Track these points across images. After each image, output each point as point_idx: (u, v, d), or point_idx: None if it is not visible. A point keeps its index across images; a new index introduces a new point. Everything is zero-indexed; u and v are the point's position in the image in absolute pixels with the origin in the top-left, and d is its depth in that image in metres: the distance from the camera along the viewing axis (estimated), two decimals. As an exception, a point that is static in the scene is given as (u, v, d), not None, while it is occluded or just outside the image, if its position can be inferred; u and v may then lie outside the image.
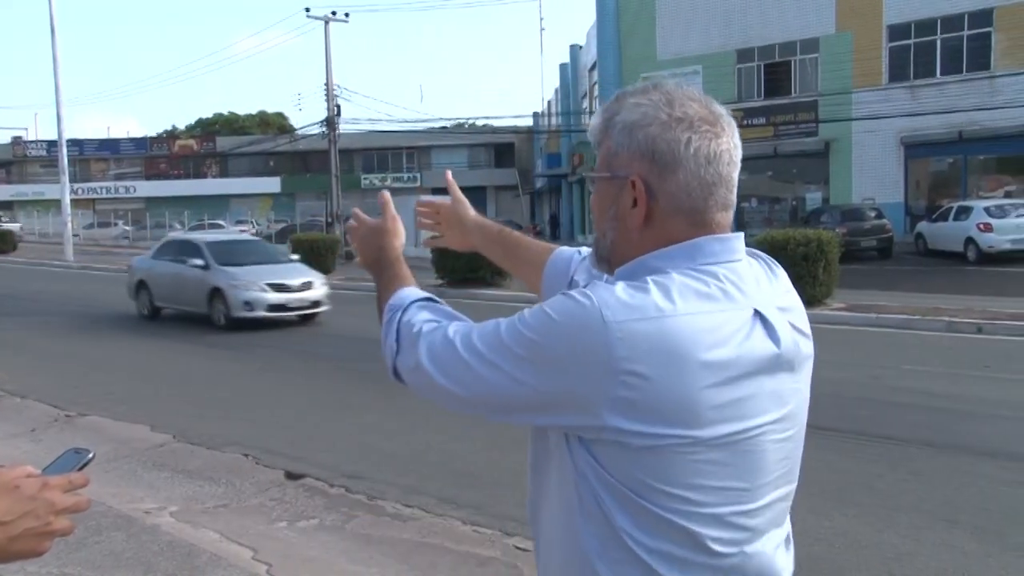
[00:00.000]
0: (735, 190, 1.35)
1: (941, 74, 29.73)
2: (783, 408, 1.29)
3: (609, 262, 1.39)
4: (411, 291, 1.52)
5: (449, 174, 2.04)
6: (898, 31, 30.39)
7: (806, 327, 1.36)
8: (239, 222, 52.71)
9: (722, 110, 1.35)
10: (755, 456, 1.26)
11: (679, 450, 1.20)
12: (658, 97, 1.32)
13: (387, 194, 1.75)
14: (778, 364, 1.27)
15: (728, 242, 1.32)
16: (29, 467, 1.20)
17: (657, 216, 1.32)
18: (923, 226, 26.09)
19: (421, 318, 1.42)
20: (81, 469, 1.27)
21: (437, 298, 1.51)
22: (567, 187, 49.20)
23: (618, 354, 1.18)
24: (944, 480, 5.84)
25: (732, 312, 1.25)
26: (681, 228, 1.32)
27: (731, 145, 1.33)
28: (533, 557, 1.53)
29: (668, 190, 1.30)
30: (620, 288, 1.23)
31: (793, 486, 1.36)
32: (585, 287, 1.25)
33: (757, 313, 1.27)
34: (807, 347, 1.35)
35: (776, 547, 1.33)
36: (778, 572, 1.33)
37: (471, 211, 1.97)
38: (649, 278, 1.25)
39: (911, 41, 30.21)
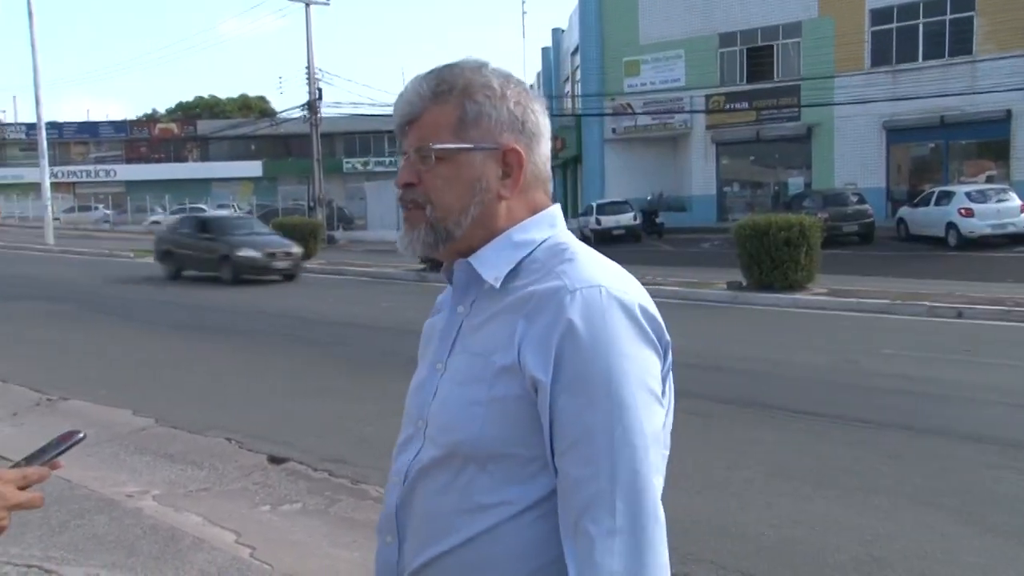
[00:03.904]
0: None
1: (923, 59, 29.85)
2: None
3: (455, 240, 1.29)
4: None
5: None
6: (880, 15, 30.48)
7: None
8: (220, 206, 52.34)
9: None
10: None
11: None
12: (502, 72, 1.29)
13: None
14: None
15: (559, 209, 1.35)
16: None
17: (522, 187, 1.29)
18: (904, 211, 26.17)
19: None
20: (64, 452, 1.27)
21: None
22: (549, 171, 49.10)
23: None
24: (923, 463, 5.89)
25: None
26: (540, 198, 1.33)
27: None
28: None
29: (534, 160, 1.30)
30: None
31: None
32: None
33: None
34: None
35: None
36: None
37: None
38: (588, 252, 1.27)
39: (893, 25, 30.30)
